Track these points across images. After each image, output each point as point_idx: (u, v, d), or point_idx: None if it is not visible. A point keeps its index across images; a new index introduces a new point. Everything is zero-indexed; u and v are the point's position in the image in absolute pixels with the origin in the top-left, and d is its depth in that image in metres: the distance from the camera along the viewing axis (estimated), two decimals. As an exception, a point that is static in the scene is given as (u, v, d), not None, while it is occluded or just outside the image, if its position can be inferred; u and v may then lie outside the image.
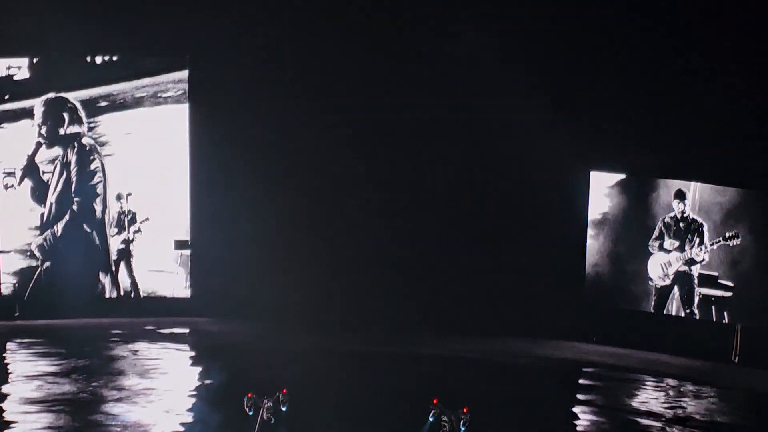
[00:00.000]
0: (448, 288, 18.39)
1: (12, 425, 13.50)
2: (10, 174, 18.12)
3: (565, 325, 18.13)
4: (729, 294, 17.24)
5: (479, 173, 18.38)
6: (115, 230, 18.46)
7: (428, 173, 18.42)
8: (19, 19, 17.35)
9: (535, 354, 17.58)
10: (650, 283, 17.79)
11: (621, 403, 15.67)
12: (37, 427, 13.49)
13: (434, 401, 11.99)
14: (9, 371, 15.81)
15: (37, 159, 18.17)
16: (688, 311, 17.57)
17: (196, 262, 18.57)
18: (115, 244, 18.49)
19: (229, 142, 18.39)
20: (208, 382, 15.33)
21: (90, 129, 18.27)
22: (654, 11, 17.17)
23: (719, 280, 17.30)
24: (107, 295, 18.51)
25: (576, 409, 15.16)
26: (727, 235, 17.18)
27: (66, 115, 18.16)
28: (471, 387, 14.98)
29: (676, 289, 17.64)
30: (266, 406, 11.96)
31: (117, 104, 18.29)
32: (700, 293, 17.47)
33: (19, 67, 17.95)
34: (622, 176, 17.87)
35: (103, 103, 18.27)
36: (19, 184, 18.16)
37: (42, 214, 18.26)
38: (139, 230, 18.47)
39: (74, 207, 18.31)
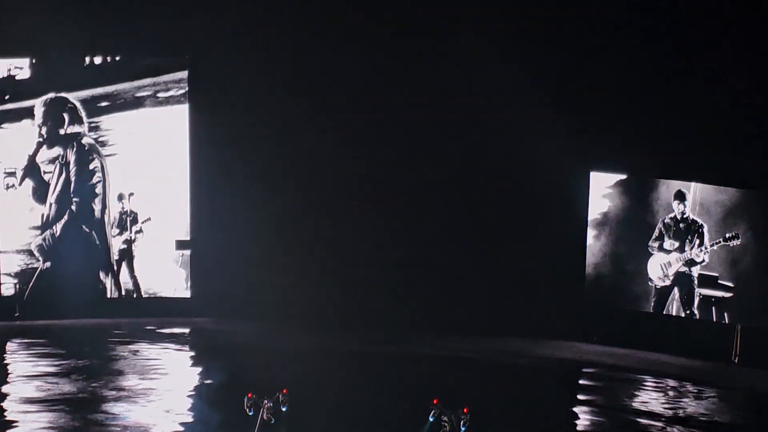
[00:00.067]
0: (448, 288, 18.39)
1: (13, 425, 13.50)
2: (11, 174, 18.12)
3: (565, 325, 18.14)
4: (729, 294, 17.25)
5: (479, 173, 18.38)
6: (117, 230, 18.46)
7: (428, 173, 18.42)
8: (19, 19, 17.35)
9: (535, 354, 17.58)
10: (650, 283, 17.79)
11: (621, 403, 15.67)
12: (37, 426, 13.49)
13: (434, 401, 11.99)
14: (9, 371, 15.81)
15: (38, 159, 18.17)
16: (688, 312, 17.57)
17: (196, 262, 18.58)
18: (116, 244, 18.49)
19: (229, 142, 18.40)
20: (208, 381, 15.33)
21: (90, 129, 18.28)
22: (654, 11, 17.17)
23: (719, 281, 17.30)
24: (108, 295, 18.51)
25: (576, 409, 15.16)
26: (727, 235, 17.18)
27: (66, 115, 18.16)
28: (471, 387, 14.98)
29: (676, 289, 17.64)
30: (266, 406, 11.96)
31: (117, 104, 18.29)
32: (700, 294, 17.47)
33: (20, 68, 17.95)
34: (622, 176, 17.87)
35: (103, 104, 18.28)
36: (20, 184, 18.17)
37: (42, 215, 18.27)
38: (140, 230, 18.48)
39: (73, 207, 18.32)
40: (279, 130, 18.28)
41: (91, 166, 18.33)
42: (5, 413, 13.93)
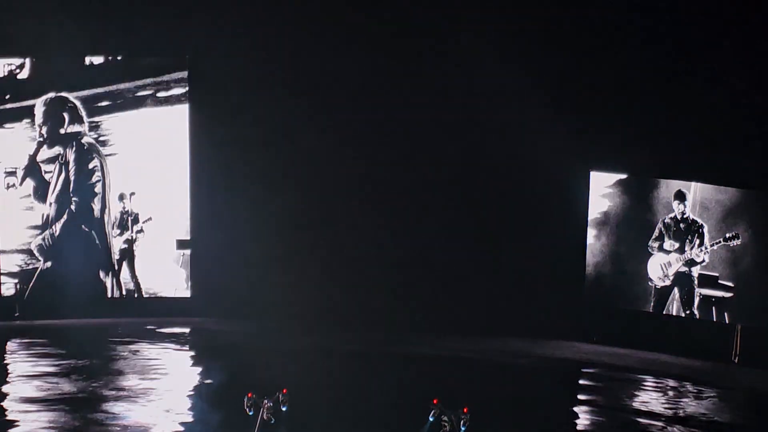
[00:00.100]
0: (448, 288, 18.39)
1: (14, 425, 13.50)
2: (12, 173, 18.13)
3: (565, 325, 18.13)
4: (729, 294, 17.24)
5: (479, 173, 18.38)
6: (118, 230, 18.46)
7: (428, 173, 18.42)
8: (19, 19, 17.35)
9: (535, 354, 17.57)
10: (650, 283, 17.79)
11: (621, 403, 15.67)
12: (37, 426, 13.49)
13: (434, 401, 11.99)
14: (9, 371, 15.81)
15: (39, 158, 18.17)
16: (688, 312, 17.57)
17: (196, 262, 18.58)
18: (117, 243, 18.49)
19: (229, 142, 18.39)
20: (208, 381, 15.33)
21: (90, 129, 18.28)
22: (654, 11, 17.17)
23: (719, 281, 17.30)
24: (109, 295, 18.51)
25: (576, 409, 15.16)
26: (727, 236, 17.18)
27: (66, 115, 18.17)
28: (471, 387, 14.98)
29: (676, 290, 17.64)
30: (266, 406, 11.96)
31: (117, 104, 18.29)
32: (700, 294, 17.47)
33: (20, 67, 17.95)
34: (622, 176, 17.87)
35: (103, 103, 18.28)
36: (21, 184, 18.17)
37: (43, 214, 18.27)
38: (141, 230, 18.48)
39: (72, 207, 18.32)
40: (279, 130, 18.28)
41: (91, 166, 18.34)
42: (6, 413, 13.93)
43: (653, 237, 17.69)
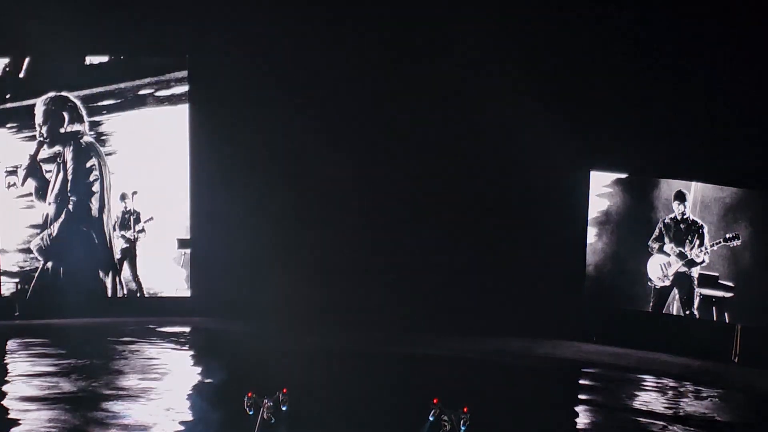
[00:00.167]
0: (448, 288, 18.38)
1: (16, 423, 13.51)
2: (12, 173, 18.12)
3: (565, 325, 18.13)
4: (729, 294, 17.24)
5: (479, 173, 18.38)
6: (120, 230, 18.45)
7: (428, 173, 18.41)
8: (19, 19, 17.34)
9: (535, 354, 17.57)
10: (650, 283, 17.79)
11: (621, 403, 15.67)
12: (38, 425, 13.49)
13: (434, 401, 12.00)
14: (9, 371, 15.81)
15: (40, 158, 18.17)
16: (687, 312, 17.57)
17: (197, 262, 18.58)
18: (119, 243, 18.48)
19: (229, 142, 18.39)
20: (208, 381, 15.33)
21: (90, 128, 18.27)
22: (654, 11, 17.17)
23: (719, 281, 17.29)
24: (109, 295, 18.51)
25: (576, 409, 15.16)
26: (727, 236, 17.17)
27: (66, 114, 18.16)
28: (471, 387, 14.98)
29: (675, 290, 17.64)
30: (266, 405, 11.97)
31: (117, 104, 18.28)
32: (700, 294, 17.46)
33: (20, 67, 17.95)
34: (622, 175, 17.87)
35: (104, 103, 18.27)
36: (23, 183, 18.17)
37: (43, 214, 18.27)
38: (143, 230, 18.47)
39: (70, 206, 18.30)
40: (279, 130, 18.28)
41: (88, 165, 18.32)
42: (7, 412, 13.94)
43: (653, 237, 17.68)
